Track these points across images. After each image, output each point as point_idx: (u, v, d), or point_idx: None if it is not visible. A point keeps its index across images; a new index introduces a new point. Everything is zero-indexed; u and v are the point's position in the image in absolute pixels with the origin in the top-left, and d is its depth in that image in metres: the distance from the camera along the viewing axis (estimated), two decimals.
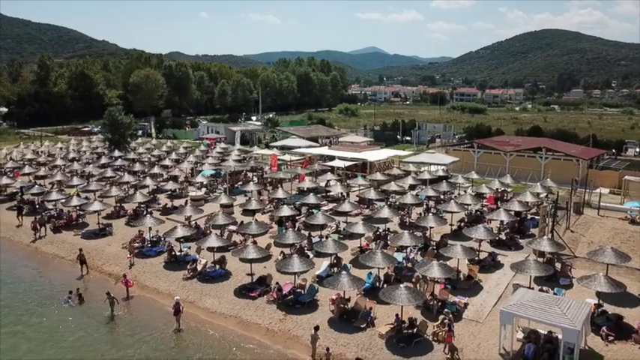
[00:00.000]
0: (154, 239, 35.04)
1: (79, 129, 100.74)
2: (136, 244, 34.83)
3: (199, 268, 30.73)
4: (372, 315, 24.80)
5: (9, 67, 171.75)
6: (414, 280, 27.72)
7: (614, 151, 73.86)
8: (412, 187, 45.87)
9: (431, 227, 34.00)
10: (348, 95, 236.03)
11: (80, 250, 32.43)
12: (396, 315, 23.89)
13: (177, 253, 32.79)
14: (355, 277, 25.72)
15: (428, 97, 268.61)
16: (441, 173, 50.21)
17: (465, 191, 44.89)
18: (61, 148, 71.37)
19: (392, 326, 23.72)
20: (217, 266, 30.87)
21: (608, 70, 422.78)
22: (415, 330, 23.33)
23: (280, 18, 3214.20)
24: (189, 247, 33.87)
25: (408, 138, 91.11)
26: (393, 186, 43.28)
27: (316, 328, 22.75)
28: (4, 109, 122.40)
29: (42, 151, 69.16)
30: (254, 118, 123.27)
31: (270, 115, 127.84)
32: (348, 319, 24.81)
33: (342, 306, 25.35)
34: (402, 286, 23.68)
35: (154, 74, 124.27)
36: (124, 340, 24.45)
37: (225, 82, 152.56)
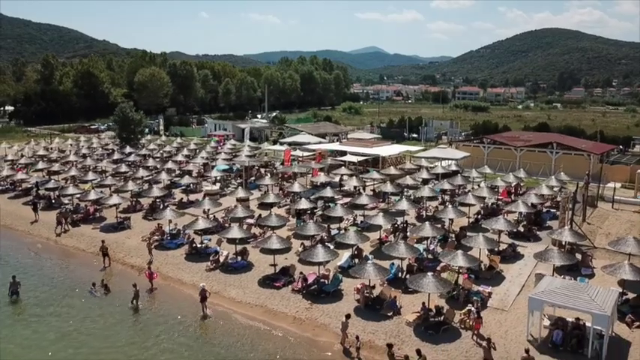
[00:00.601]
0: (174, 232, 35.27)
1: (86, 127, 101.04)
2: (156, 237, 35.12)
3: (221, 259, 30.99)
4: (397, 304, 25.05)
5: (12, 66, 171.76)
6: (439, 269, 27.93)
7: (621, 147, 74.13)
8: (426, 182, 46.17)
9: (450, 219, 34.19)
10: (350, 94, 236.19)
11: (103, 242, 32.67)
12: (423, 303, 24.14)
13: (198, 246, 33.02)
14: (380, 267, 25.96)
15: (430, 95, 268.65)
16: (453, 168, 50.47)
17: (479, 185, 45.11)
18: (71, 145, 71.55)
19: (419, 314, 23.96)
20: (239, 257, 31.12)
21: (609, 68, 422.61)
22: (442, 318, 23.56)
23: (280, 18, 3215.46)
24: (210, 240, 34.12)
25: (415, 135, 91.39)
26: (408, 180, 43.48)
27: (347, 316, 22.95)
28: (10, 108, 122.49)
29: (52, 148, 69.44)
30: (259, 116, 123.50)
31: (274, 114, 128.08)
32: (374, 307, 25.05)
33: (367, 295, 25.57)
34: (429, 274, 23.91)
35: (159, 73, 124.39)
36: (153, 327, 24.69)
37: (229, 81, 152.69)
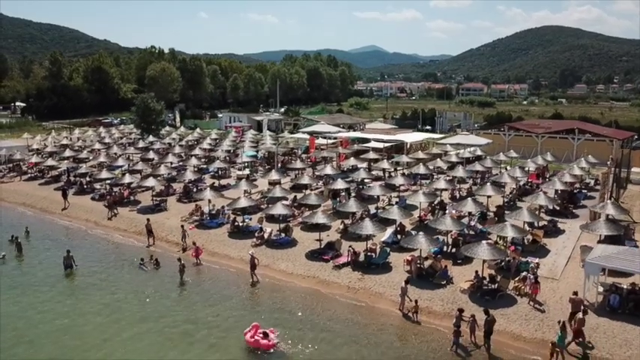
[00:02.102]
0: (213, 212, 35.65)
1: (100, 121, 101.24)
2: (196, 217, 35.61)
3: (266, 236, 31.40)
4: (449, 273, 25.47)
5: (20, 63, 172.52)
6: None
7: (635, 135, 74.63)
8: (452, 166, 46.62)
9: (489, 196, 34.52)
10: (355, 90, 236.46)
11: (148, 220, 33.11)
12: (476, 272, 24.57)
13: (240, 224, 33.46)
14: (431, 237, 26.38)
15: (434, 92, 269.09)
16: (479, 153, 50.88)
17: (506, 168, 45.59)
18: (92, 135, 72.02)
19: (472, 282, 24.39)
20: (283, 234, 31.55)
21: (610, 66, 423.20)
22: (496, 285, 24.00)
23: (279, 17, 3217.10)
24: (250, 219, 34.58)
25: (429, 127, 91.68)
26: (439, 162, 43.99)
27: (407, 282, 23.39)
28: (22, 104, 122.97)
29: (77, 137, 70.06)
30: (272, 110, 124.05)
31: (283, 109, 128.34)
32: (426, 278, 25.45)
33: (419, 265, 25.98)
34: (484, 242, 24.34)
35: (170, 68, 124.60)
36: (212, 296, 25.12)
37: (237, 77, 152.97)
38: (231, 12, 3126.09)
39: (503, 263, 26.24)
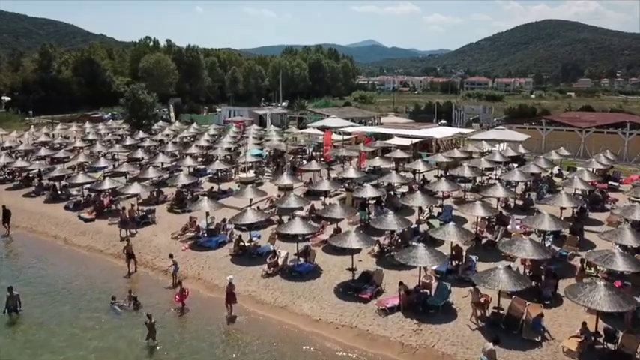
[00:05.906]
0: (211, 227, 28.30)
1: (89, 116, 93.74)
2: (190, 234, 28.40)
3: (280, 262, 24.15)
4: (543, 324, 18.25)
5: (9, 56, 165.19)
6: (577, 274, 21.13)
7: None
8: (490, 169, 39.38)
9: (563, 208, 27.02)
10: (357, 84, 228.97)
11: (127, 240, 25.87)
12: (583, 323, 17.41)
13: (246, 244, 26.20)
14: (516, 273, 19.16)
15: (437, 85, 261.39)
16: (522, 150, 43.41)
17: (559, 170, 38.49)
18: (76, 131, 64.49)
19: (580, 339, 17.19)
20: (302, 259, 24.30)
21: (612, 59, 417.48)
22: (617, 344, 16.82)
23: (275, 12, 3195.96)
24: (259, 237, 27.32)
25: (444, 121, 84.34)
26: (484, 163, 36.65)
27: (495, 341, 16.17)
28: (7, 98, 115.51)
29: (55, 135, 62.45)
30: (274, 103, 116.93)
31: (285, 103, 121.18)
32: (507, 329, 18.21)
33: (496, 311, 18.79)
34: (600, 282, 17.02)
35: (165, 59, 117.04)
36: None
37: (235, 69, 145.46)
38: (227, 6, 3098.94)
39: None
